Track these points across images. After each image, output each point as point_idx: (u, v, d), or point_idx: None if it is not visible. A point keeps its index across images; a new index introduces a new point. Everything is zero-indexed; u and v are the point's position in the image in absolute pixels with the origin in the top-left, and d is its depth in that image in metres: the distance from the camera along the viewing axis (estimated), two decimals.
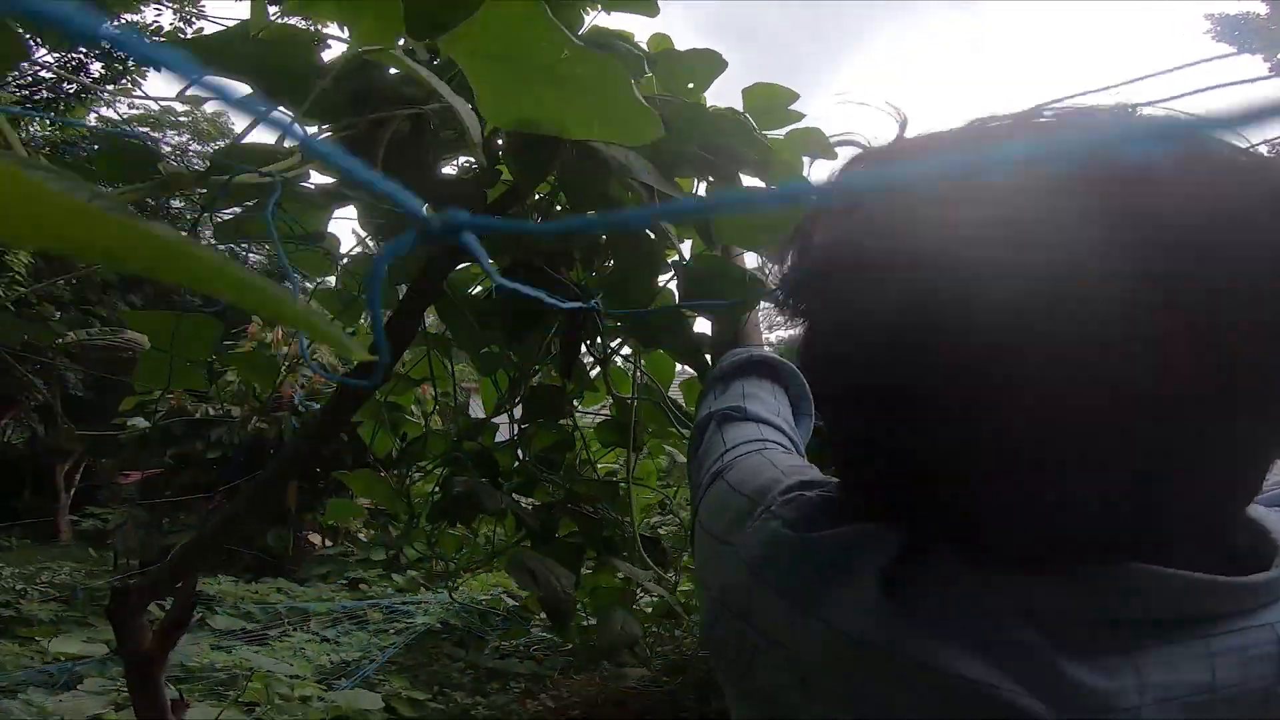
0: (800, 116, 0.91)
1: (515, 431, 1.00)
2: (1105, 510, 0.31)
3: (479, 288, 0.92)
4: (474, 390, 1.40)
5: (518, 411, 1.02)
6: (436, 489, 1.02)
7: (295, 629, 5.17)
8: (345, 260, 0.86)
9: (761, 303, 0.80)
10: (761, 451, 0.51)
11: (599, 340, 0.91)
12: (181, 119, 18.58)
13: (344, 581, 6.70)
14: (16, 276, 7.44)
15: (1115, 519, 0.31)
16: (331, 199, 0.74)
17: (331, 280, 0.91)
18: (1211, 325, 0.28)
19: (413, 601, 5.53)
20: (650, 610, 1.69)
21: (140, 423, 5.99)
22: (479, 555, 1.25)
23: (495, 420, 1.05)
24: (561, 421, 1.06)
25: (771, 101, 0.89)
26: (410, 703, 3.89)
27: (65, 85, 8.54)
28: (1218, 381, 0.28)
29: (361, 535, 8.36)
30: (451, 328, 0.91)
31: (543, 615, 4.72)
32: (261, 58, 0.58)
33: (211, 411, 5.91)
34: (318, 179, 0.69)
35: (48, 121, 9.15)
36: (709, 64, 0.87)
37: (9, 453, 15.32)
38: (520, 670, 4.82)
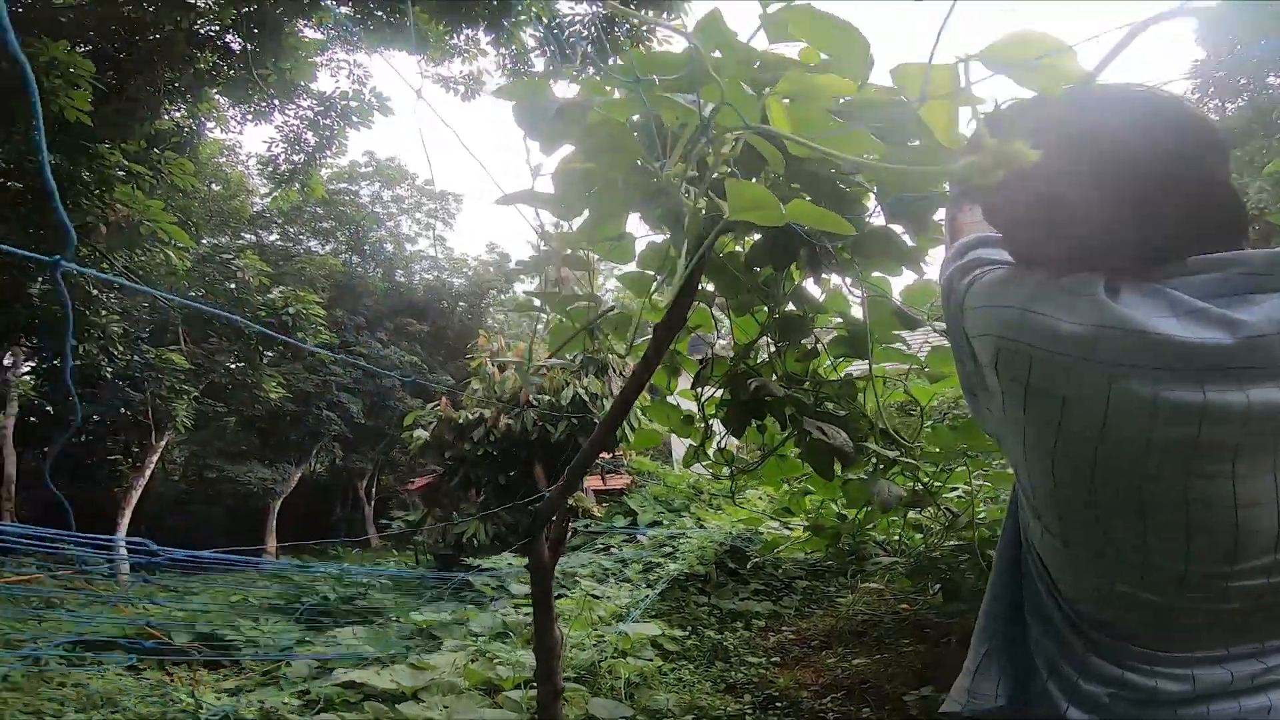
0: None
1: (770, 353, 1.32)
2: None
3: (736, 247, 1.25)
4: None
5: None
6: (725, 398, 1.38)
7: (569, 590, 6.01)
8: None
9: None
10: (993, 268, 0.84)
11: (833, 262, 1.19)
12: (366, 169, 21.24)
13: (598, 549, 7.58)
14: (320, 327, 9.15)
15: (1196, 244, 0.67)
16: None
17: (631, 265, 1.29)
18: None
19: (660, 554, 6.17)
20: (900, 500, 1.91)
21: (421, 433, 7.33)
22: (754, 459, 1.59)
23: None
24: (803, 341, 1.35)
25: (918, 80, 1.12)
26: (671, 639, 4.49)
27: (293, 155, 9.78)
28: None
29: (596, 511, 9.32)
30: (716, 281, 1.24)
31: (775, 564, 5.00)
32: None
33: (470, 416, 7.05)
34: None
35: (295, 190, 10.23)
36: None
37: (320, 478, 18.95)
38: (759, 609, 5.25)
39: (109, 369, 8.82)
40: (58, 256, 0.66)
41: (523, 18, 8.11)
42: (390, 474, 18.59)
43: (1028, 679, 0.83)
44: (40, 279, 7.98)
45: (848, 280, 1.26)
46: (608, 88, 0.86)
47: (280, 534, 15.80)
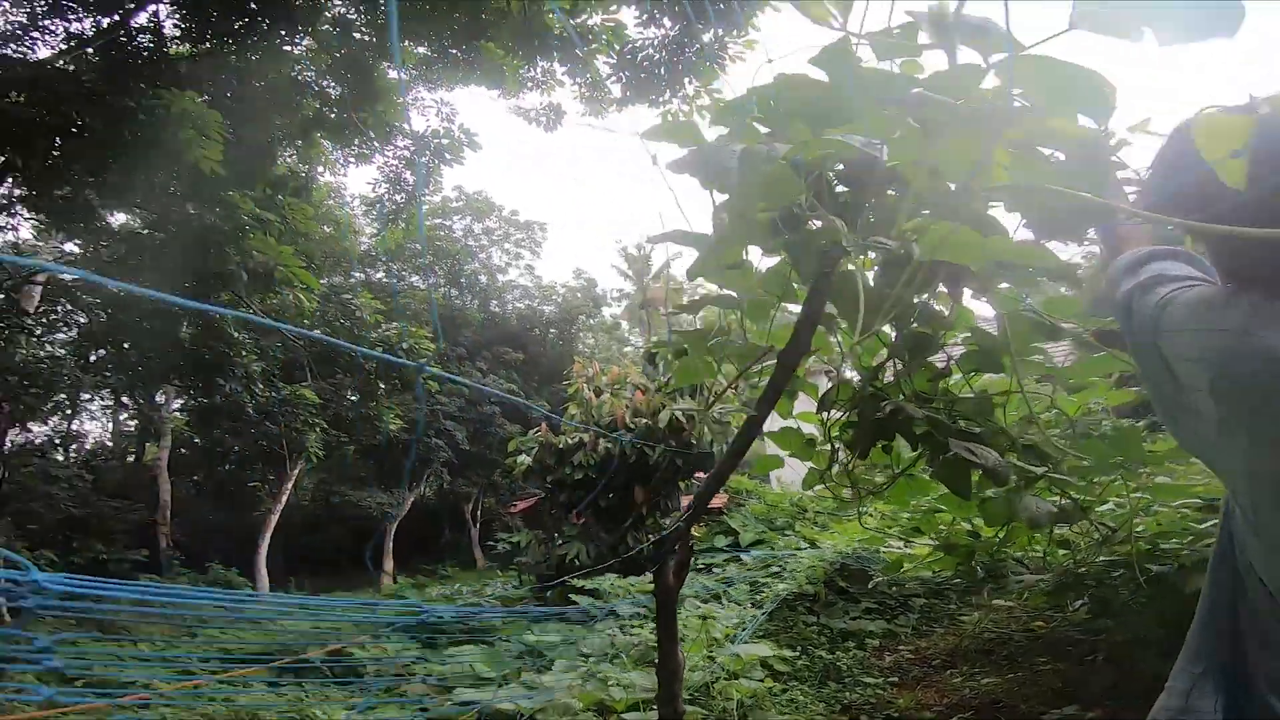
0: None
1: (896, 370, 1.29)
2: None
3: (849, 267, 1.24)
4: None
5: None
6: (853, 421, 1.36)
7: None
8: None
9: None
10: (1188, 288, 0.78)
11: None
12: (457, 203, 22.01)
13: (699, 569, 7.51)
14: (429, 361, 9.61)
15: None
16: None
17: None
18: None
19: (769, 573, 6.06)
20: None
21: (524, 459, 7.57)
22: (886, 480, 1.55)
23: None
24: (930, 359, 1.31)
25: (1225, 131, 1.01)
26: (781, 660, 4.38)
27: (395, 195, 9.80)
28: None
29: (695, 531, 9.24)
30: (838, 304, 1.23)
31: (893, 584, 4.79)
32: None
33: (569, 441, 7.22)
34: None
35: (399, 229, 10.54)
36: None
37: (429, 502, 19.89)
38: (872, 628, 5.02)
39: (250, 405, 9.65)
40: (423, 363, 0.75)
41: (594, 46, 8.22)
42: (493, 497, 19.28)
43: (1240, 694, 0.80)
44: (185, 322, 8.83)
45: (984, 297, 1.22)
46: (761, 128, 0.88)
47: (396, 555, 16.72)
